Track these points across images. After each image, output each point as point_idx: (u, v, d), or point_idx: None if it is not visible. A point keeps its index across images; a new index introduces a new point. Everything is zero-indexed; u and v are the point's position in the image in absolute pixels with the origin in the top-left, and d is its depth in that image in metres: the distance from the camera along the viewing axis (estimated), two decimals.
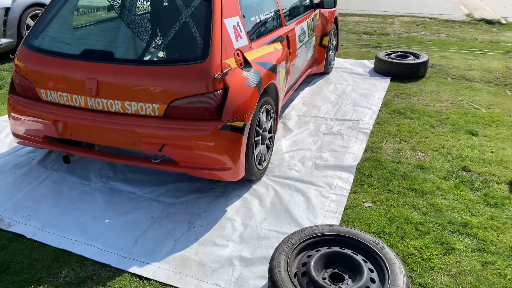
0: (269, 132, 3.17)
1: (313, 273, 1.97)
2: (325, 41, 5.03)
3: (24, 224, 2.65)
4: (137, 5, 3.04)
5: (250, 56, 2.87)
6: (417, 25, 8.52)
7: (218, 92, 2.53)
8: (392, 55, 5.54)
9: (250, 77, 2.74)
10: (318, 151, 3.48)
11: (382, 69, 5.34)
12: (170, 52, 2.68)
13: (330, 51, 5.33)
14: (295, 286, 1.90)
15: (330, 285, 1.93)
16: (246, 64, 2.80)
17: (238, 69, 2.70)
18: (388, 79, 5.16)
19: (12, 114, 3.01)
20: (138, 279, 2.24)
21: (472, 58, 6.17)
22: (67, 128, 2.82)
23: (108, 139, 2.76)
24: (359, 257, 2.06)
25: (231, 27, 2.74)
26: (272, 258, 2.07)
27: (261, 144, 3.01)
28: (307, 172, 3.18)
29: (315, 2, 4.75)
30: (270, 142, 3.21)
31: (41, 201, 2.86)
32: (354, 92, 4.78)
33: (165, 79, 2.53)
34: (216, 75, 2.50)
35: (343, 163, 3.28)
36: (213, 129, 2.52)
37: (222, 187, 3.00)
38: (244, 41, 2.86)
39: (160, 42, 2.74)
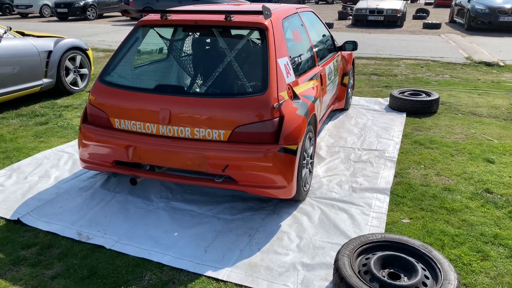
0: (311, 157, 3.55)
1: (374, 270, 2.28)
2: (346, 80, 5.54)
3: (101, 237, 2.96)
4: (205, 47, 3.51)
5: (297, 90, 3.32)
6: (421, 67, 9.15)
7: (275, 119, 2.94)
8: (406, 93, 6.05)
9: (300, 107, 3.17)
10: (352, 176, 3.85)
11: (397, 105, 5.81)
12: (235, 86, 3.12)
13: (349, 89, 5.84)
14: (361, 280, 2.21)
15: (389, 281, 2.24)
16: (295, 96, 3.24)
17: (290, 101, 3.13)
18: (404, 115, 5.63)
19: (84, 141, 3.39)
20: (214, 281, 2.53)
21: (478, 96, 6.69)
22: (137, 153, 3.20)
23: (176, 162, 3.13)
24: (411, 259, 2.38)
25: (283, 66, 3.20)
26: (336, 260, 2.39)
27: (305, 168, 3.38)
28: (345, 194, 3.53)
29: (338, 45, 5.30)
30: (311, 167, 3.58)
31: (112, 218, 3.18)
32: (375, 125, 5.22)
33: (231, 109, 2.95)
34: (274, 105, 2.93)
35: (377, 186, 3.64)
36: (271, 151, 2.91)
37: (272, 205, 3.34)
38: (292, 77, 3.31)
39: (225, 77, 3.18)
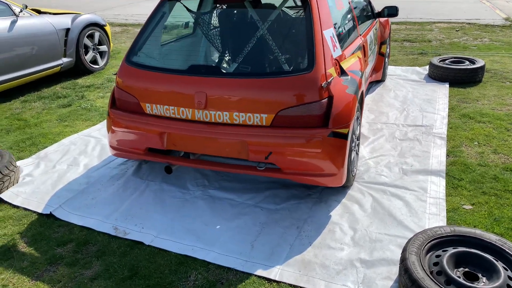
0: (357, 139, 3.25)
1: (449, 271, 2.03)
2: (383, 49, 5.13)
3: (139, 232, 2.77)
4: (239, 20, 3.18)
5: (344, 65, 2.98)
6: (456, 30, 8.55)
7: (324, 100, 2.64)
8: (447, 61, 5.59)
9: (350, 85, 2.84)
10: (401, 157, 3.54)
11: (438, 75, 5.39)
12: (276, 64, 2.80)
13: (386, 59, 5.42)
14: (436, 283, 1.96)
15: (469, 283, 1.98)
16: (343, 72, 2.91)
17: (338, 78, 2.81)
18: (447, 85, 5.21)
19: (113, 128, 3.17)
20: (266, 281, 2.33)
21: None
22: (171, 140, 2.96)
23: (213, 149, 2.88)
24: (489, 256, 2.12)
25: (329, 38, 2.86)
26: (404, 258, 2.14)
27: (353, 151, 3.09)
28: (396, 177, 3.24)
29: (376, 11, 4.86)
30: (358, 149, 3.29)
31: (149, 210, 2.99)
32: (417, 98, 4.84)
33: (274, 90, 2.65)
34: (323, 84, 2.61)
35: (430, 167, 3.33)
36: (321, 136, 2.62)
37: (317, 193, 3.09)
38: (338, 51, 2.97)
39: (265, 55, 2.87)
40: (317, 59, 2.66)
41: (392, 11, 4.71)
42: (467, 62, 5.50)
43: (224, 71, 2.83)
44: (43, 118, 4.74)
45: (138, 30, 10.42)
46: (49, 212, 2.99)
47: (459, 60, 5.58)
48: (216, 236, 2.69)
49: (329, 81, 2.65)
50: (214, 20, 3.19)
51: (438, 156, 3.50)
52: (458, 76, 5.25)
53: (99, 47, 6.65)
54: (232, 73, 2.78)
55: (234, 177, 3.34)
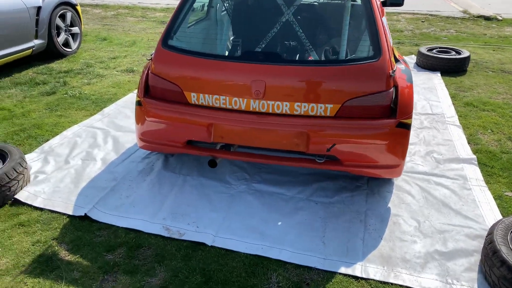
0: None
1: None
2: None
3: (195, 232, 2.55)
4: (299, 6, 2.97)
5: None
6: (422, 21, 8.94)
7: (391, 90, 2.58)
8: (434, 51, 5.82)
9: (407, 73, 2.81)
10: (427, 145, 3.62)
11: (428, 64, 5.58)
12: (342, 52, 2.68)
13: None
14: (508, 245, 2.03)
15: None
16: (396, 60, 2.87)
17: (398, 66, 2.77)
18: (439, 74, 5.42)
19: (147, 119, 2.86)
20: (353, 279, 2.25)
21: (494, 52, 6.61)
22: (219, 132, 2.73)
23: (267, 141, 2.71)
24: None
25: (386, 26, 2.80)
26: (491, 240, 2.18)
27: None
28: (432, 166, 3.30)
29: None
30: None
31: (197, 207, 2.76)
32: (417, 87, 4.98)
33: (341, 79, 2.54)
34: (391, 72, 2.56)
35: (459, 155, 3.44)
36: (389, 127, 2.57)
37: (365, 184, 3.05)
38: (390, 38, 2.92)
39: (330, 41, 2.73)
40: (382, 46, 2.58)
41: (396, 0, 4.76)
42: (454, 52, 5.76)
43: (286, 58, 2.65)
44: (29, 107, 4.19)
45: (96, 11, 9.65)
46: (83, 214, 2.65)
47: (446, 50, 5.83)
48: (281, 234, 2.55)
49: (395, 69, 2.60)
50: (273, 4, 2.94)
51: (462, 145, 3.63)
52: (447, 66, 5.48)
53: (71, 28, 6.02)
54: (296, 61, 2.61)
55: (274, 169, 3.20)
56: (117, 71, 5.38)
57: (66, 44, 5.97)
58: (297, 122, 2.61)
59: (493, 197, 2.94)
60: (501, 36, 7.71)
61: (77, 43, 6.18)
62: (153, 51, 2.86)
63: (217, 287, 2.19)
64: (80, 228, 2.56)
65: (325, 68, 2.56)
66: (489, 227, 2.55)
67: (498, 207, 2.83)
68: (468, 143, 3.69)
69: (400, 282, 2.22)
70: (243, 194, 2.91)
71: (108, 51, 6.29)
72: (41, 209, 2.71)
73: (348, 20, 2.66)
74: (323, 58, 2.64)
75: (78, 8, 6.13)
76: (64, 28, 5.86)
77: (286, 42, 2.74)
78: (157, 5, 10.44)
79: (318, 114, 2.60)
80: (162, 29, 7.91)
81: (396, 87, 2.61)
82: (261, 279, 2.24)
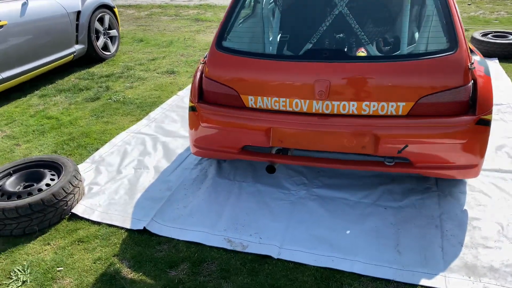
0: None
1: None
2: None
3: (259, 243, 2.42)
4: None
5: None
6: (468, 4, 8.45)
7: (469, 84, 2.34)
8: (489, 36, 5.44)
9: (484, 65, 2.57)
10: (496, 139, 3.33)
11: (482, 50, 5.21)
12: (414, 45, 2.47)
13: None
14: None
15: None
16: (471, 51, 2.62)
17: (474, 58, 2.53)
18: (496, 60, 5.06)
19: (202, 125, 2.74)
20: None
21: None
22: (278, 136, 2.58)
23: (330, 144, 2.53)
24: None
25: (459, 14, 2.55)
26: None
27: None
28: (505, 162, 3.02)
29: None
30: None
31: (257, 216, 2.63)
32: None
33: (415, 75, 2.32)
34: (469, 65, 2.32)
35: None
36: (469, 124, 2.34)
37: (435, 185, 2.83)
38: (463, 27, 2.68)
39: (399, 34, 2.53)
40: (459, 37, 2.35)
41: None
42: (511, 36, 5.36)
43: (352, 55, 2.47)
44: (75, 115, 4.18)
45: (130, 11, 9.69)
46: (142, 228, 2.57)
47: (502, 35, 5.43)
48: (351, 243, 2.38)
49: (472, 61, 2.36)
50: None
51: None
52: (506, 51, 5.10)
53: (109, 31, 6.02)
54: (363, 57, 2.42)
55: (333, 172, 3.03)
56: (158, 73, 5.32)
57: (105, 47, 5.98)
58: (365, 123, 2.42)
59: None
60: None
61: (116, 46, 6.18)
62: (206, 54, 2.74)
63: None
64: (140, 243, 2.48)
65: (396, 63, 2.35)
66: None
67: None
68: None
69: None
70: (304, 201, 2.75)
71: (146, 53, 6.26)
72: (98, 223, 2.65)
73: (419, 9, 2.44)
74: (394, 53, 2.43)
75: (116, 10, 6.11)
76: (103, 32, 5.86)
77: (349, 37, 2.55)
78: (190, 2, 10.39)
79: (389, 113, 2.40)
80: (197, 27, 7.84)
81: (474, 80, 2.37)
82: None
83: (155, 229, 2.56)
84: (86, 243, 2.50)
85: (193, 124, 2.81)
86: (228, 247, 2.41)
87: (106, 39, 5.96)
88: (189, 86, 4.80)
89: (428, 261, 2.23)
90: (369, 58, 2.40)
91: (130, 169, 3.20)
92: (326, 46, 2.51)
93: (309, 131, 2.53)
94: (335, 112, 2.46)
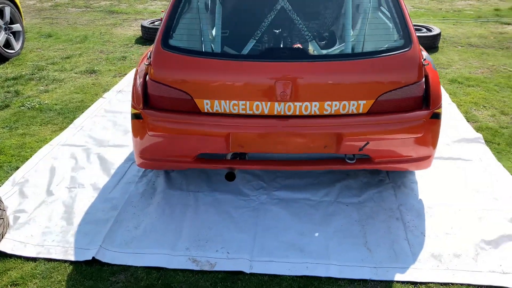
0: None
1: None
2: None
3: (228, 259, 2.24)
4: None
5: None
6: None
7: (423, 80, 2.40)
8: None
9: (431, 60, 2.65)
10: None
11: None
12: (371, 43, 2.43)
13: None
14: None
15: None
16: None
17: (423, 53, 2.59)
18: None
19: (150, 134, 2.46)
20: (412, 285, 2.08)
21: (455, 26, 6.75)
22: (238, 141, 2.41)
23: (293, 146, 2.44)
24: None
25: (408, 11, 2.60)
26: None
27: None
28: (444, 149, 3.21)
29: None
30: None
31: (220, 229, 2.44)
32: None
33: (374, 73, 2.31)
34: (423, 61, 2.38)
35: (465, 135, 3.39)
36: (424, 118, 2.40)
37: (387, 177, 2.89)
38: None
39: (358, 33, 2.48)
40: (412, 35, 2.39)
41: None
42: (424, 30, 5.77)
43: (313, 54, 2.37)
44: None
45: (30, 2, 8.61)
46: (91, 258, 2.23)
47: (417, 28, 5.82)
48: (321, 246, 2.32)
49: (424, 58, 2.42)
50: None
51: (463, 124, 3.59)
52: (421, 44, 5.46)
53: (11, 26, 5.23)
54: (324, 56, 2.34)
55: (290, 173, 2.94)
56: (76, 73, 4.77)
57: (7, 45, 5.20)
58: (328, 123, 2.36)
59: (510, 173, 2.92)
60: (455, 10, 7.92)
61: (20, 42, 5.41)
62: (150, 53, 2.45)
63: None
64: (90, 276, 2.15)
65: (357, 62, 2.32)
66: None
67: None
68: (467, 121, 3.67)
69: (460, 281, 2.10)
70: (266, 206, 2.63)
71: (58, 50, 5.59)
72: (34, 259, 2.24)
73: (374, 8, 2.43)
74: (353, 51, 2.39)
75: (17, 1, 5.33)
76: (4, 27, 5.08)
77: (310, 36, 2.44)
78: None
79: (350, 112, 2.36)
80: (112, 20, 7.23)
81: (426, 76, 2.44)
82: None
83: (106, 257, 2.24)
84: (22, 286, 2.10)
85: (138, 133, 2.51)
86: (194, 267, 2.20)
87: (8, 35, 5.18)
88: (116, 87, 4.37)
89: (398, 255, 2.26)
90: (329, 56, 2.34)
91: (63, 189, 2.78)
92: (287, 45, 2.40)
93: (271, 134, 2.40)
94: (297, 113, 2.36)
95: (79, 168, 3.00)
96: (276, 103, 2.33)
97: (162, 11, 6.43)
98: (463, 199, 2.68)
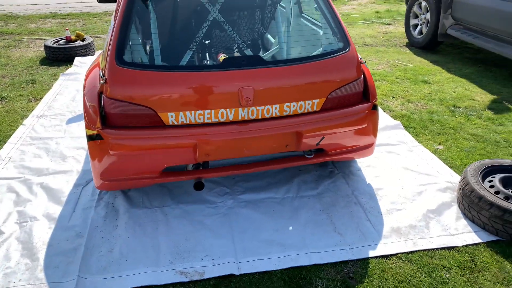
0: None
1: (506, 190, 2.57)
2: None
3: (215, 265, 2.28)
4: (263, 4, 2.72)
5: None
6: None
7: (362, 77, 2.72)
8: None
9: (361, 58, 2.99)
10: None
11: None
12: (316, 47, 2.65)
13: None
14: (498, 198, 2.49)
15: None
16: None
17: None
18: None
19: (112, 153, 2.37)
20: (384, 258, 2.35)
21: (348, 29, 7.52)
22: (204, 150, 2.47)
23: (256, 148, 2.57)
24: None
25: None
26: (467, 182, 2.63)
27: None
28: None
29: None
30: None
31: (198, 238, 2.46)
32: None
33: (323, 73, 2.55)
34: (360, 60, 2.70)
35: (387, 123, 3.87)
36: (367, 110, 2.72)
37: (335, 168, 3.18)
38: None
39: (305, 39, 2.67)
40: (348, 38, 2.70)
41: None
42: None
43: (269, 60, 2.52)
44: None
45: None
46: None
47: None
48: (298, 238, 2.49)
49: (360, 57, 2.74)
50: (235, 5, 2.65)
51: (382, 113, 4.08)
52: None
53: None
54: (279, 61, 2.51)
55: (247, 176, 3.05)
56: None
57: None
58: (289, 123, 2.54)
59: (431, 151, 3.44)
60: (344, 14, 8.80)
61: None
62: (103, 71, 2.37)
63: None
64: None
65: (309, 64, 2.54)
66: (448, 178, 3.02)
67: (444, 160, 3.32)
68: (384, 111, 4.18)
69: (420, 247, 2.43)
70: (235, 210, 2.71)
71: None
72: None
73: (311, 15, 2.68)
74: (303, 55, 2.60)
75: None
76: None
77: (262, 44, 2.61)
78: None
79: (306, 110, 2.58)
80: (4, 41, 6.53)
81: (364, 73, 2.77)
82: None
83: (88, 287, 2.11)
84: None
85: (98, 154, 2.41)
86: (184, 279, 2.20)
87: None
88: (35, 113, 4.02)
89: (365, 235, 2.53)
90: (284, 61, 2.52)
91: (12, 225, 2.52)
92: (244, 53, 2.52)
93: (236, 140, 2.50)
94: (260, 116, 2.50)
95: (24, 201, 2.73)
96: (240, 109, 2.44)
97: (67, 29, 6.04)
98: (402, 178, 3.07)
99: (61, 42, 5.89)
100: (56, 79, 4.97)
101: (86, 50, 5.83)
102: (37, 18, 8.26)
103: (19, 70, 5.29)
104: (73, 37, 5.97)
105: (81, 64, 5.42)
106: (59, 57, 5.67)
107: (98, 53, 6.02)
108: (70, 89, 4.64)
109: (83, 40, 5.98)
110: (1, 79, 4.93)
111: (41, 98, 4.43)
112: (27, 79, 4.93)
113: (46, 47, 5.68)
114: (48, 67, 5.45)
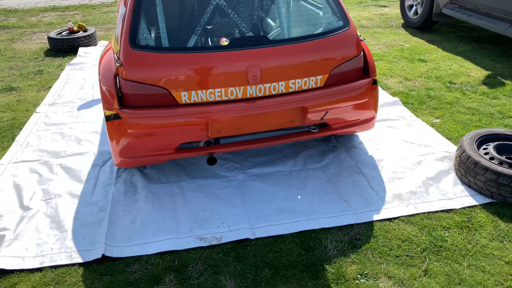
0: None
1: (499, 156, 2.75)
2: None
3: (231, 231, 2.46)
4: None
5: None
6: None
7: (362, 53, 2.88)
8: None
9: (361, 35, 3.14)
10: None
11: None
12: (318, 25, 2.80)
13: None
14: (493, 163, 2.66)
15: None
16: None
17: None
18: None
19: (131, 132, 2.53)
20: (387, 221, 2.53)
21: None
22: (216, 127, 2.63)
23: (264, 124, 2.72)
24: None
25: None
26: (464, 150, 2.79)
27: None
28: None
29: None
30: None
31: (213, 208, 2.64)
32: None
33: (326, 51, 2.70)
34: (360, 37, 2.85)
35: (387, 100, 4.03)
36: (368, 85, 2.87)
37: (337, 142, 3.35)
38: None
39: (306, 17, 2.81)
40: (347, 16, 2.84)
41: None
42: None
43: (275, 39, 2.66)
44: None
45: None
46: (100, 256, 2.26)
47: None
48: (307, 205, 2.67)
49: (360, 34, 2.89)
50: None
51: (381, 91, 4.24)
52: None
53: None
54: (283, 40, 2.65)
55: (255, 152, 3.22)
56: None
57: None
58: (294, 99, 2.69)
59: (429, 124, 3.61)
60: None
61: None
62: (118, 55, 2.52)
63: (290, 271, 2.21)
64: (105, 272, 2.20)
65: (311, 42, 2.69)
66: (445, 149, 3.19)
67: (442, 132, 3.50)
68: (383, 89, 4.34)
69: (421, 211, 2.61)
70: (246, 182, 2.89)
71: None
72: (39, 270, 2.21)
73: None
74: (306, 34, 2.74)
75: None
76: None
77: (267, 23, 2.75)
78: None
79: (311, 87, 2.73)
80: (6, 35, 6.63)
81: (363, 50, 2.92)
82: (320, 250, 2.35)
83: (115, 253, 2.30)
84: None
85: (117, 134, 2.57)
86: (203, 244, 2.38)
87: None
88: (46, 101, 4.16)
89: (369, 201, 2.71)
90: (288, 40, 2.67)
91: (39, 202, 2.69)
92: (250, 33, 2.66)
93: (245, 116, 2.65)
94: (267, 93, 2.66)
95: (47, 180, 2.90)
96: (248, 87, 2.60)
97: (69, 21, 6.15)
98: (402, 150, 3.24)
99: (64, 33, 6.00)
100: (62, 69, 5.10)
101: (89, 41, 5.95)
102: (36, 11, 8.33)
103: (25, 61, 5.41)
104: (75, 28, 6.08)
105: (86, 54, 5.55)
106: (63, 48, 5.79)
107: (100, 43, 6.14)
108: (77, 78, 4.78)
109: (85, 31, 6.09)
110: (9, 71, 5.06)
111: (50, 87, 4.57)
112: (34, 70, 5.06)
113: (50, 38, 5.79)
114: (53, 58, 5.57)
